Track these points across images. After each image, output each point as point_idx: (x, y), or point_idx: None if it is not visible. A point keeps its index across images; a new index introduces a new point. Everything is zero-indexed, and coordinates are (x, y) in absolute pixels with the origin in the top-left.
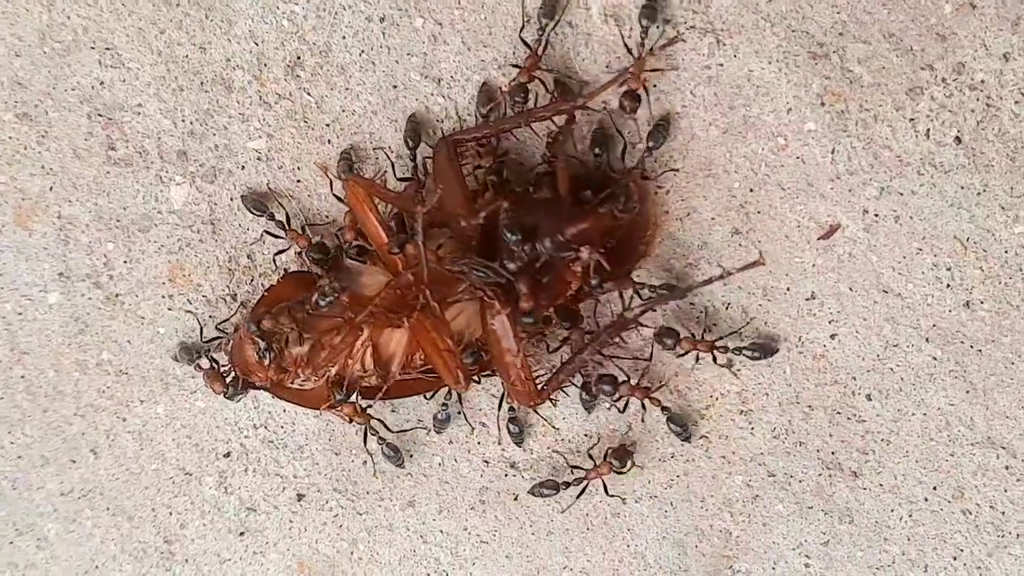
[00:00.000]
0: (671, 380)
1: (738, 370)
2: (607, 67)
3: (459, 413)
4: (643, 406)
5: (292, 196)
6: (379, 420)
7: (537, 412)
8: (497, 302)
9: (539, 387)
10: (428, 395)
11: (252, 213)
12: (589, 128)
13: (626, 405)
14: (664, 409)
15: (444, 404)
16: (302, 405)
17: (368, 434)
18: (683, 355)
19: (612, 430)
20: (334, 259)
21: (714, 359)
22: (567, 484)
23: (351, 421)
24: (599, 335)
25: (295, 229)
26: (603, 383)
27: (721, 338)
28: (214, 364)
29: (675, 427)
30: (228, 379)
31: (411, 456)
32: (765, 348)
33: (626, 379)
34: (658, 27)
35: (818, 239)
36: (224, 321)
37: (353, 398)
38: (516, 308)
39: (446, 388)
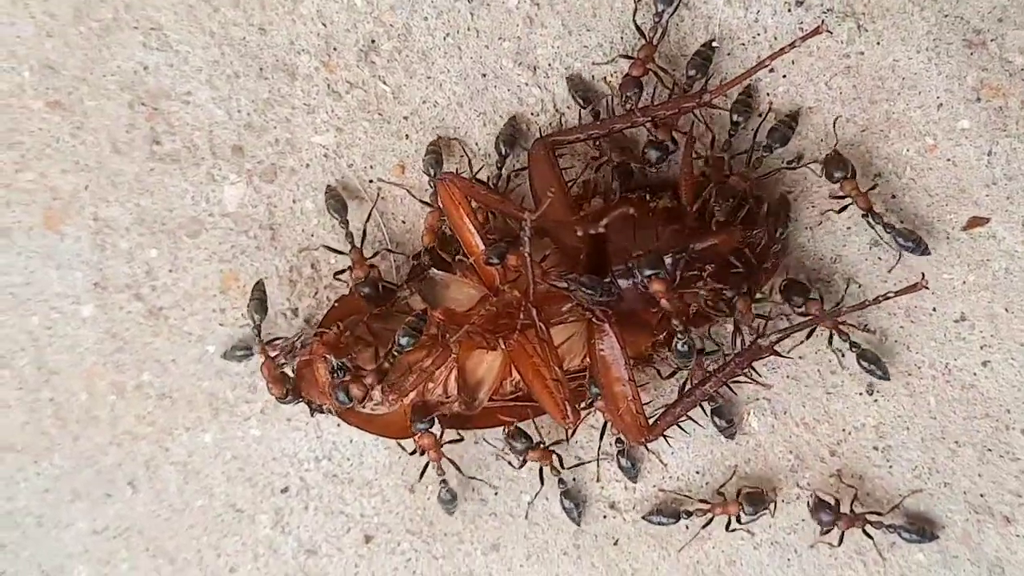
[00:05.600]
0: (796, 411)
1: (875, 400)
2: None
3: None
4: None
5: (365, 200)
6: (450, 461)
7: (647, 447)
8: (608, 324)
9: (651, 421)
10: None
11: (329, 214)
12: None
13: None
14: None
15: (557, 472)
16: (372, 432)
17: (438, 470)
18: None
19: (728, 466)
20: (415, 268)
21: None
22: (688, 513)
23: (419, 453)
24: (727, 364)
25: (359, 249)
26: (820, 511)
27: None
28: (271, 358)
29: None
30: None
31: (496, 494)
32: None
33: (848, 510)
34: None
35: (961, 230)
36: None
37: (435, 428)
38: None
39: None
